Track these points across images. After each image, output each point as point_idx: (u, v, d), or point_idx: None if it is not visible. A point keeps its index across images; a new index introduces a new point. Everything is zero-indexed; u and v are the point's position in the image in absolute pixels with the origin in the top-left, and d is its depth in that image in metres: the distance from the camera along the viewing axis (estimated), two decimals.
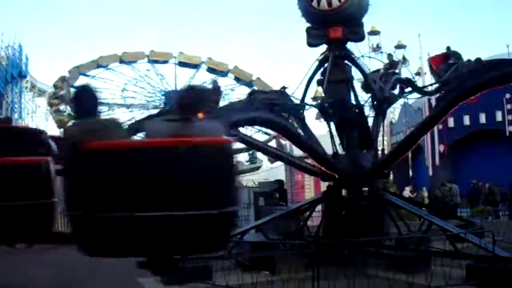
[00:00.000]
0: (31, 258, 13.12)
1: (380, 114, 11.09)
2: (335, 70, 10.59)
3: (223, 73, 38.58)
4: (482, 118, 25.25)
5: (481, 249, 8.14)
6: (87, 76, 35.72)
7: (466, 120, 25.15)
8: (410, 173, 28.94)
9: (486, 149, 24.26)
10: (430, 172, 27.07)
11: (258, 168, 36.28)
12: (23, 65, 37.63)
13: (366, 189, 10.85)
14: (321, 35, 10.61)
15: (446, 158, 26.51)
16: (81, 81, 35.17)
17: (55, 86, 36.50)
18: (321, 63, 10.87)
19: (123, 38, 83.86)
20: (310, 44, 10.76)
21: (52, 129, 37.16)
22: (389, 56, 11.90)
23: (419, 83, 25.69)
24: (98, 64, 36.02)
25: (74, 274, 10.42)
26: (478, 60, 9.85)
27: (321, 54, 10.95)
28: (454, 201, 20.37)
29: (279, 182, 18.60)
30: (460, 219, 12.19)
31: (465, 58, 10.55)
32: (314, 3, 10.36)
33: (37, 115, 47.08)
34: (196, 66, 38.95)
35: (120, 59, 40.90)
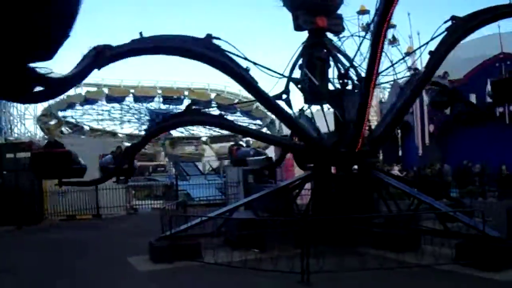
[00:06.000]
0: (20, 239, 13.01)
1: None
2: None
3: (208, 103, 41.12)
4: (473, 98, 25.23)
5: (471, 228, 8.12)
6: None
7: None
8: (400, 153, 29.00)
9: (475, 130, 24.28)
10: (420, 152, 27.13)
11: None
12: None
13: (356, 166, 10.79)
14: (309, 21, 10.90)
15: (435, 138, 26.57)
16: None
17: (39, 120, 39.46)
18: (305, 48, 11.17)
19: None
20: (299, 28, 11.06)
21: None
22: None
23: (409, 63, 25.63)
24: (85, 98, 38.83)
25: (65, 255, 10.32)
26: None
27: (303, 42, 11.19)
28: (446, 181, 20.47)
29: (268, 159, 18.44)
30: (450, 198, 12.18)
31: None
32: None
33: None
34: (179, 99, 40.40)
35: (106, 96, 43.08)
